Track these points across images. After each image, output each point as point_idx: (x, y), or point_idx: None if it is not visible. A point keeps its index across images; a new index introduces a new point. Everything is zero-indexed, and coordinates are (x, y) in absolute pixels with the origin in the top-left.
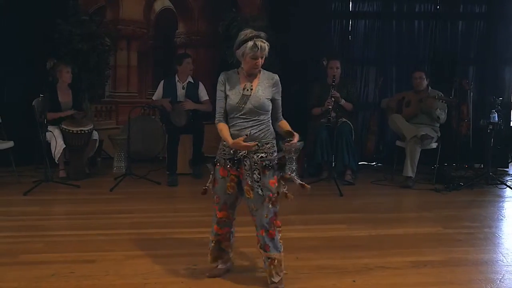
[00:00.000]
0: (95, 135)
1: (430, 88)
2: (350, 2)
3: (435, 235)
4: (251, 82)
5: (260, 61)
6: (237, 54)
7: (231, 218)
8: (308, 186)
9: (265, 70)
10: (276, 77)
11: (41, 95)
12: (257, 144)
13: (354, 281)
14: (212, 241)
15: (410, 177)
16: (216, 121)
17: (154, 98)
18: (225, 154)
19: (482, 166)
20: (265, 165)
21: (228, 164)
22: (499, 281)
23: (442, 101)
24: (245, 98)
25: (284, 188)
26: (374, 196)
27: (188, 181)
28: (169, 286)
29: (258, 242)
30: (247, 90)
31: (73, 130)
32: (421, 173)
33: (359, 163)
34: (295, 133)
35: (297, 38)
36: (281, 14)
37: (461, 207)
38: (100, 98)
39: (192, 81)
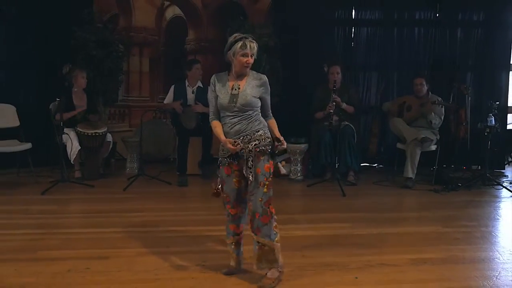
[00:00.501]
0: (109, 137)
1: (430, 93)
2: (353, 10)
3: (434, 234)
4: (239, 82)
5: (250, 59)
6: (228, 55)
7: (244, 212)
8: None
9: (253, 71)
10: (264, 77)
11: (57, 99)
12: (242, 148)
13: (356, 277)
14: (232, 243)
15: (411, 178)
16: (210, 119)
17: (165, 102)
18: (224, 153)
19: (479, 167)
20: (259, 150)
21: (228, 161)
22: (496, 278)
23: (441, 106)
24: (233, 97)
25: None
26: (376, 196)
27: (197, 181)
28: (179, 281)
29: (251, 226)
30: (235, 89)
31: (88, 133)
32: (421, 174)
33: (362, 164)
34: (282, 139)
35: (302, 44)
36: (286, 21)
37: (459, 207)
38: (114, 102)
39: (202, 86)
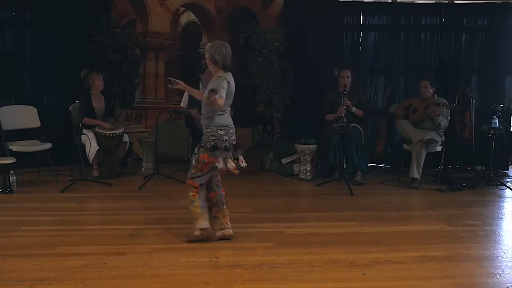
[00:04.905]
0: (126, 138)
1: (436, 95)
2: (361, 16)
3: (439, 232)
4: None
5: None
6: None
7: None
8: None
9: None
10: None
11: (77, 101)
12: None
13: (363, 274)
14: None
15: (416, 178)
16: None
17: (181, 105)
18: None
19: (483, 168)
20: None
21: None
22: (499, 276)
23: (446, 108)
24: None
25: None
26: (383, 195)
27: None
28: (192, 276)
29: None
30: None
31: (106, 133)
32: (426, 174)
33: (369, 164)
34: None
35: (311, 49)
36: (297, 27)
37: (463, 206)
38: (131, 104)
39: None
